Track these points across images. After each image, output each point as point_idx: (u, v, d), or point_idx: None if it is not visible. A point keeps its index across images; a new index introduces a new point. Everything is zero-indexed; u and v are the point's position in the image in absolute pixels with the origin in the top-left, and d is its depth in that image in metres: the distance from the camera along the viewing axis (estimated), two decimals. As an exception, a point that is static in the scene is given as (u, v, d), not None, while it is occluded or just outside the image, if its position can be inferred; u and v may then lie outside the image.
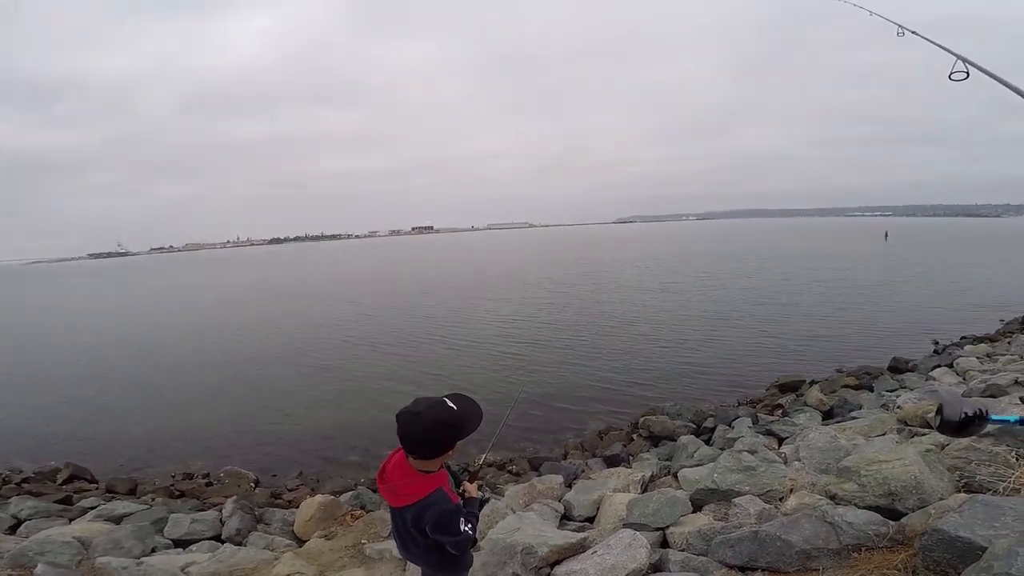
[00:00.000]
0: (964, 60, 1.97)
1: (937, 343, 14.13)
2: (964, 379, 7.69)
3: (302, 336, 18.74)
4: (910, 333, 15.53)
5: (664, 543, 3.53)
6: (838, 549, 2.71)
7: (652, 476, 5.52)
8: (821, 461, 4.90)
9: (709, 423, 8.38)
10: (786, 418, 7.77)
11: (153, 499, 6.72)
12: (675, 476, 5.40)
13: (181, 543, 4.88)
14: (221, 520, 5.34)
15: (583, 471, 5.88)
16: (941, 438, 4.22)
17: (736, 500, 3.86)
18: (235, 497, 5.86)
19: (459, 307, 22.97)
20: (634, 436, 8.00)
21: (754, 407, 9.46)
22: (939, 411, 0.96)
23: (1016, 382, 5.94)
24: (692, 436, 6.76)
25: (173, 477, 7.89)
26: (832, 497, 3.38)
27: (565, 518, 4.13)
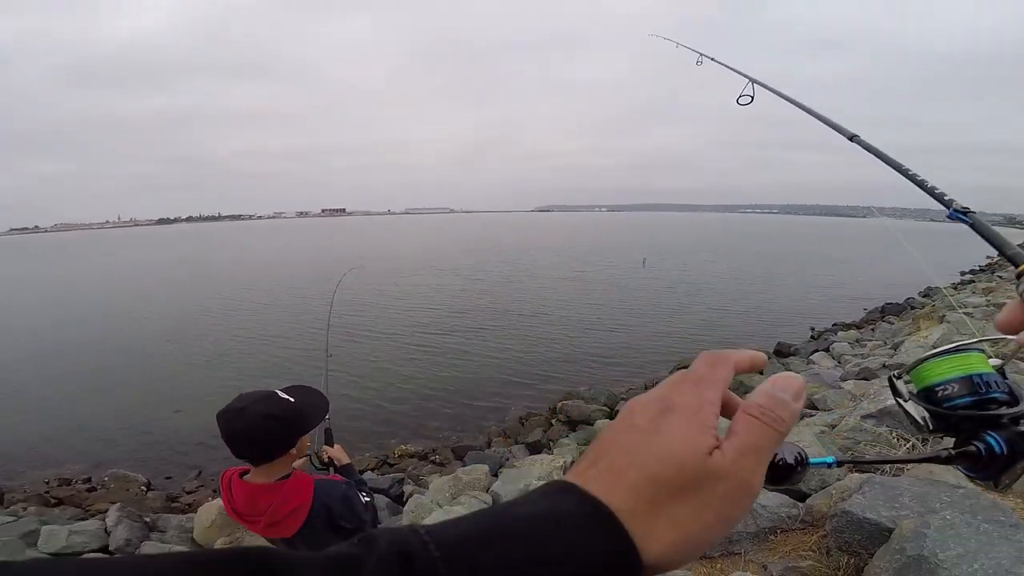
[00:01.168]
0: (754, 82, 2.01)
1: (813, 329, 15.96)
2: (840, 363, 8.65)
3: (181, 323, 16.93)
4: (790, 320, 17.36)
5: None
6: (756, 532, 2.84)
7: (573, 461, 5.62)
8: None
9: (620, 406, 8.74)
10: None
11: (24, 508, 5.82)
12: (595, 461, 5.54)
13: (61, 558, 4.11)
14: (106, 530, 4.73)
15: (508, 459, 5.83)
16: (829, 418, 4.69)
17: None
18: (119, 504, 5.19)
19: (367, 297, 21.95)
20: (553, 422, 8.12)
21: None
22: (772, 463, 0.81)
23: (884, 366, 6.75)
24: (607, 420, 6.97)
25: (47, 483, 6.78)
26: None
27: (492, 510, 4.03)
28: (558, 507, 0.30)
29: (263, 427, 1.34)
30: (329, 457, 1.87)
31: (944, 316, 8.73)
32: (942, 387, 0.52)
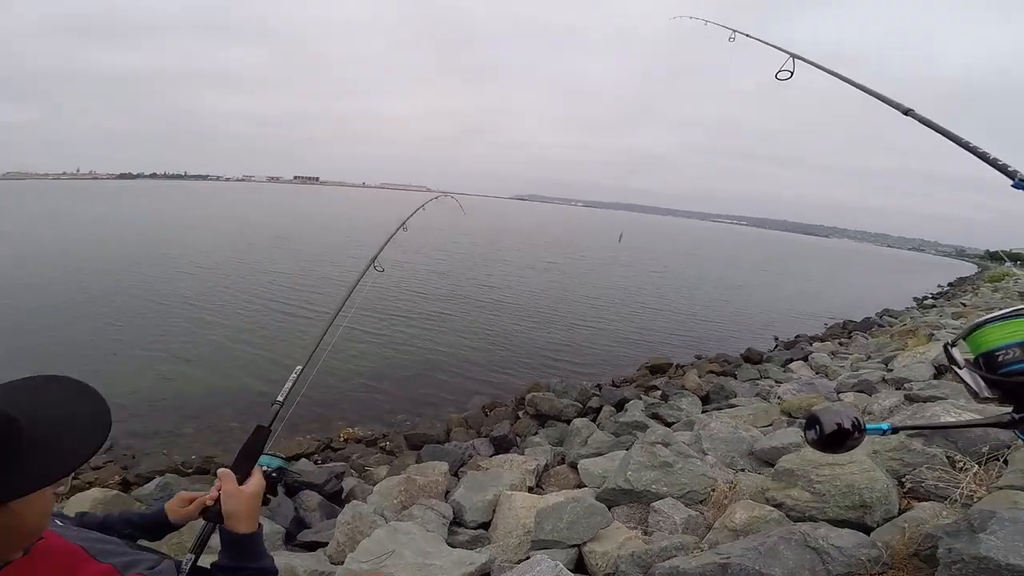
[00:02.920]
0: (794, 57, 1.96)
1: (777, 339, 15.92)
2: (823, 374, 8.21)
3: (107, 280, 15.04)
4: (756, 328, 17.37)
5: (580, 562, 2.71)
6: (825, 584, 2.07)
7: (547, 465, 4.79)
8: (726, 454, 4.56)
9: (594, 403, 8.02)
10: (670, 401, 7.62)
11: None
12: (572, 467, 4.74)
13: None
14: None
15: (471, 455, 4.93)
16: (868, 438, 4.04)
17: (655, 505, 3.21)
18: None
19: (321, 268, 20.37)
20: (520, 414, 7.29)
21: (631, 386, 9.38)
22: (811, 423, 0.84)
23: (884, 380, 6.26)
24: (585, 420, 6.20)
25: None
26: (778, 506, 2.82)
27: (455, 524, 3.12)
28: None
29: None
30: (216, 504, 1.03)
31: (932, 335, 8.44)
32: (1002, 352, 0.62)
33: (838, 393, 6.37)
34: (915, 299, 26.12)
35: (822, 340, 14.46)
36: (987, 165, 0.95)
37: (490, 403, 7.69)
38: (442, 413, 7.20)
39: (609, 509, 3.18)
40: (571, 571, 2.34)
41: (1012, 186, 0.89)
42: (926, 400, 4.72)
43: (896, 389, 5.85)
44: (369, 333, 11.06)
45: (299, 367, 1.37)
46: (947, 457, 3.11)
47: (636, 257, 38.09)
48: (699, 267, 35.28)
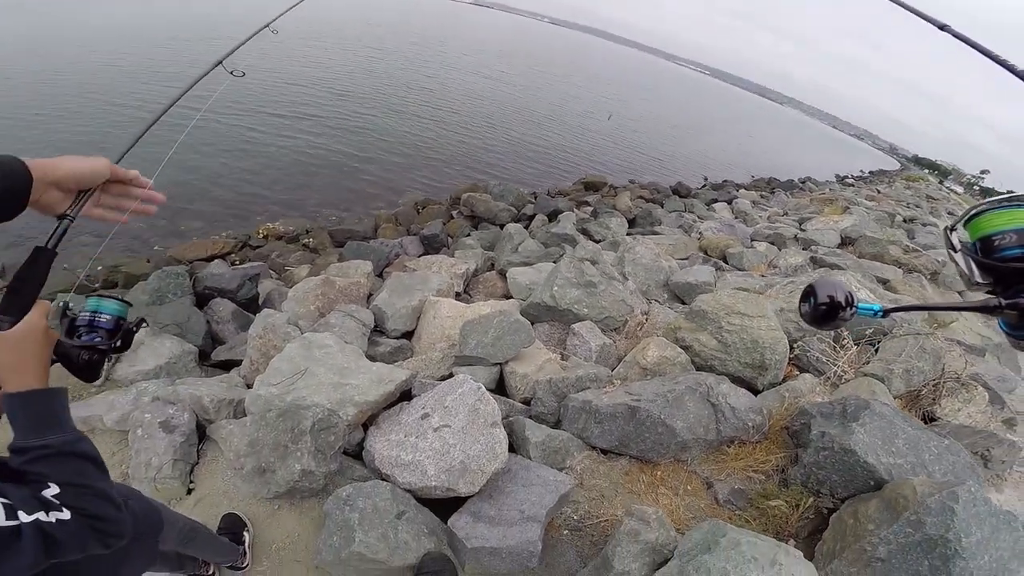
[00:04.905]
0: None
1: (707, 179, 16.57)
2: (742, 220, 8.62)
3: None
4: (687, 166, 17.90)
5: (500, 382, 2.83)
6: (714, 440, 2.32)
7: (476, 270, 4.78)
8: (644, 281, 4.78)
9: (528, 210, 7.95)
10: (600, 219, 7.72)
11: None
12: (501, 274, 4.78)
13: None
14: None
15: (397, 254, 4.73)
16: (773, 291, 4.33)
17: (575, 327, 3.32)
18: None
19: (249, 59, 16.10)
20: (454, 214, 7.05)
21: (564, 198, 9.37)
22: (807, 294, 0.83)
23: (795, 237, 6.67)
24: (518, 226, 6.09)
25: None
26: (687, 348, 3.02)
27: (377, 332, 3.05)
28: None
29: None
30: None
31: (847, 208, 8.95)
32: (999, 236, 0.63)
33: (752, 240, 6.77)
34: (837, 175, 27.59)
35: (747, 189, 15.10)
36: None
37: (423, 200, 7.32)
38: (371, 208, 6.75)
39: (532, 325, 3.24)
40: (492, 392, 2.42)
41: None
42: (830, 266, 5.14)
43: (804, 249, 6.31)
44: (296, 128, 9.45)
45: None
46: (836, 331, 3.44)
47: (592, 83, 34.91)
48: (651, 103, 33.55)
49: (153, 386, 2.20)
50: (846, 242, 6.51)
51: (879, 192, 17.35)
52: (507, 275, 4.45)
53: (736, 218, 9.41)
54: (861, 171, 34.91)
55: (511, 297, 4.25)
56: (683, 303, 4.53)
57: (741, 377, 2.81)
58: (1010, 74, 1.03)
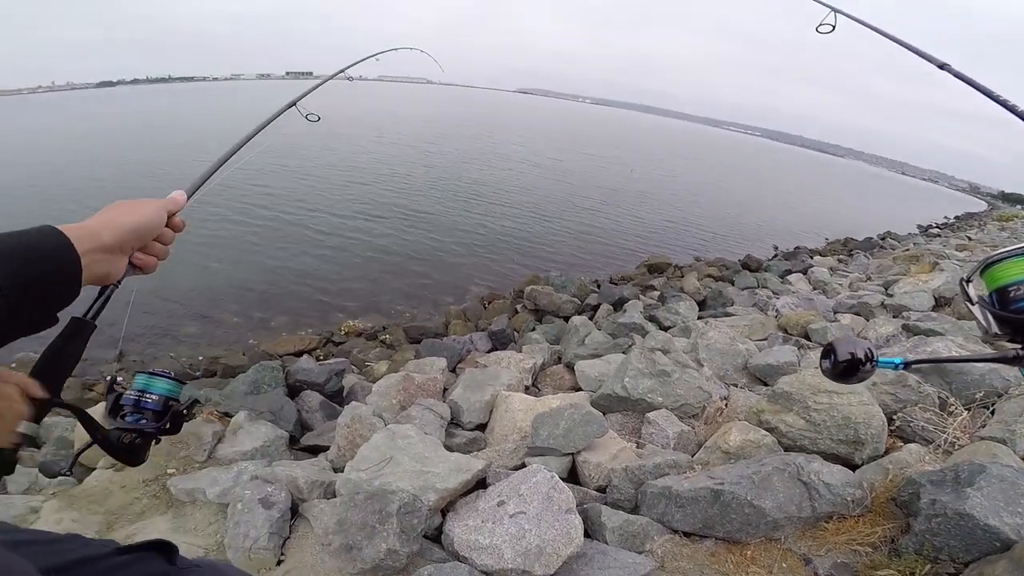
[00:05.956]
0: (836, 11, 1.98)
1: (777, 248, 15.90)
2: (824, 292, 8.22)
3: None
4: (755, 235, 17.31)
5: (572, 471, 2.82)
6: (809, 517, 2.16)
7: (543, 364, 4.90)
8: (721, 366, 4.63)
9: (592, 300, 8.08)
10: (667, 304, 7.66)
11: None
12: (569, 367, 4.84)
13: None
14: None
15: (468, 351, 5.01)
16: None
17: (650, 416, 3.27)
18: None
19: (317, 155, 19.16)
20: (518, 308, 7.36)
21: (628, 284, 9.42)
22: (827, 353, 0.87)
23: (883, 304, 6.25)
24: (583, 318, 6.22)
25: None
26: (772, 430, 2.89)
27: (453, 424, 3.21)
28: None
29: None
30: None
31: (937, 263, 8.33)
32: (1014, 287, 0.62)
33: (835, 313, 6.40)
34: (919, 226, 25.66)
35: (822, 254, 14.38)
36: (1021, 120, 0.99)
37: (488, 295, 7.74)
38: (441, 304, 7.26)
39: (604, 416, 3.25)
40: (564, 480, 2.43)
41: None
42: (925, 333, 4.73)
43: (894, 316, 5.86)
44: (368, 224, 10.78)
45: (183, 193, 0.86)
46: (939, 398, 3.15)
47: (644, 161, 36.57)
48: (706, 172, 34.09)
49: (252, 466, 2.49)
50: (941, 303, 5.98)
51: (970, 240, 15.85)
52: (575, 368, 4.51)
53: (815, 289, 8.97)
54: (945, 217, 32.10)
55: (580, 389, 4.28)
56: (765, 385, 4.33)
57: (836, 454, 2.63)
58: (1011, 114, 1.03)
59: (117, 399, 0.75)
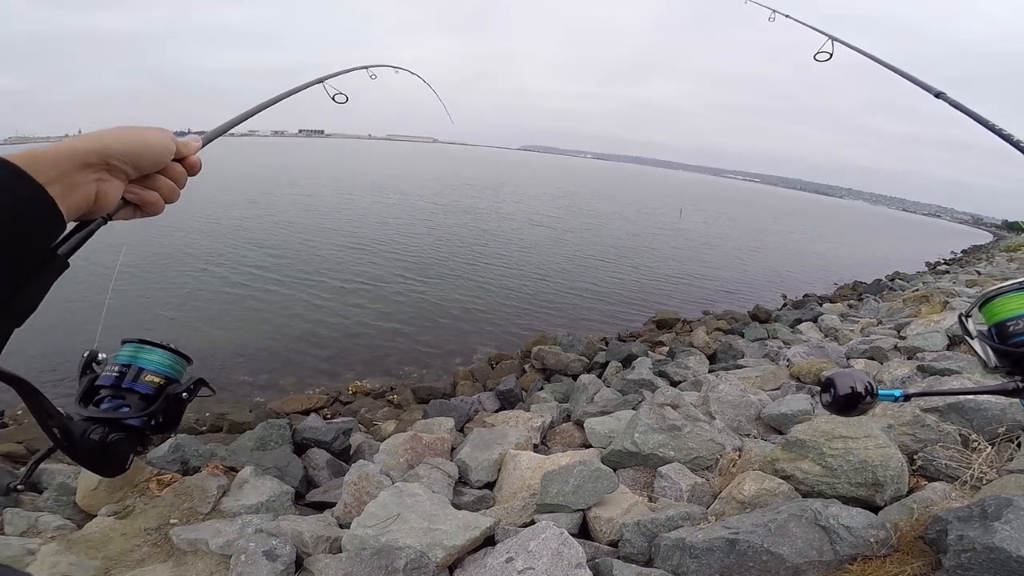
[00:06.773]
0: (833, 39, 1.97)
1: (786, 297, 15.82)
2: (836, 339, 8.12)
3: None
4: (762, 285, 17.27)
5: (584, 527, 2.74)
6: (831, 561, 2.07)
7: (552, 422, 4.83)
8: (734, 418, 4.54)
9: (601, 358, 8.03)
10: (677, 359, 7.60)
11: None
12: (578, 425, 4.77)
13: None
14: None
15: (476, 410, 4.98)
16: (877, 409, 4.00)
17: (662, 470, 3.21)
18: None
19: (326, 219, 20.07)
20: (526, 367, 7.34)
21: (636, 341, 9.36)
22: (826, 387, 0.88)
23: (896, 348, 6.16)
24: (592, 376, 6.20)
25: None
26: (788, 478, 2.81)
27: (461, 483, 3.16)
28: None
29: None
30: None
31: (947, 302, 8.26)
32: (1013, 322, 0.62)
33: (848, 359, 6.30)
34: (927, 264, 25.55)
35: (831, 301, 14.30)
36: (1018, 151, 0.97)
37: (496, 355, 7.75)
38: (449, 365, 7.28)
39: (614, 471, 3.19)
40: (575, 536, 2.36)
41: None
42: (941, 372, 4.64)
43: (908, 359, 5.76)
44: (375, 286, 11.05)
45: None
46: (960, 435, 3.06)
47: (646, 215, 37.53)
48: (708, 223, 34.70)
49: (257, 519, 2.49)
50: (955, 342, 5.87)
51: (979, 274, 15.68)
52: (584, 425, 4.46)
53: (826, 336, 8.86)
54: (952, 252, 31.98)
55: (590, 446, 4.20)
56: (781, 434, 4.23)
57: (855, 497, 2.54)
58: (1008, 144, 1.02)
59: (92, 382, 0.56)
